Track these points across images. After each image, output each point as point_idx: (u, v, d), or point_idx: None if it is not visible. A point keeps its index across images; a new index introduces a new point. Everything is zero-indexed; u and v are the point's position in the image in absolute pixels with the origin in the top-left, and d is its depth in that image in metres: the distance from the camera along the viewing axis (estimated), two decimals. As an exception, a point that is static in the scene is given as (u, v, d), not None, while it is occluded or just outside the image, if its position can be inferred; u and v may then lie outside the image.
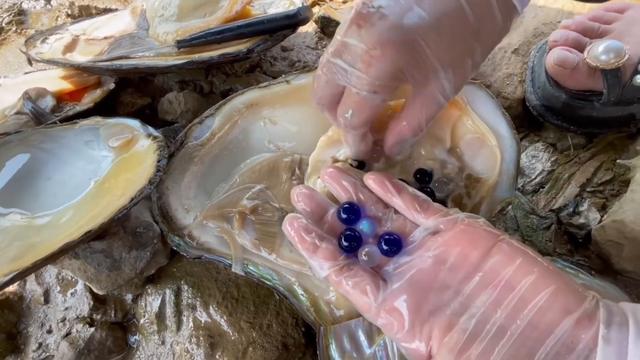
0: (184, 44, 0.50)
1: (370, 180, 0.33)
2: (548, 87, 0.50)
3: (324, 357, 0.36)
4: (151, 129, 0.42)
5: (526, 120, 0.55)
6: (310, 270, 0.40)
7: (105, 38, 0.57)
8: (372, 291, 0.27)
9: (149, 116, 0.56)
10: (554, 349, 0.22)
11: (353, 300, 0.28)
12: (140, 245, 0.40)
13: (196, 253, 0.41)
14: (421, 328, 0.25)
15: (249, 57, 0.48)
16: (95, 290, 0.41)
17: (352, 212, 0.32)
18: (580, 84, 0.48)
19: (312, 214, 0.33)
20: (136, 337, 0.46)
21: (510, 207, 0.46)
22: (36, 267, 0.28)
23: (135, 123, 0.42)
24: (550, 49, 0.50)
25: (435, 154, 0.41)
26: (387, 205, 0.33)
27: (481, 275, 0.26)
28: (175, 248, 0.41)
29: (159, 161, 0.37)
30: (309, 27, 0.65)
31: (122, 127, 0.42)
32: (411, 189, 0.33)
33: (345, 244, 0.31)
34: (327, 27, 0.64)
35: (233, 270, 0.40)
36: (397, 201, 0.32)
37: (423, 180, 0.39)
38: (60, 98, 0.51)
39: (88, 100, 0.49)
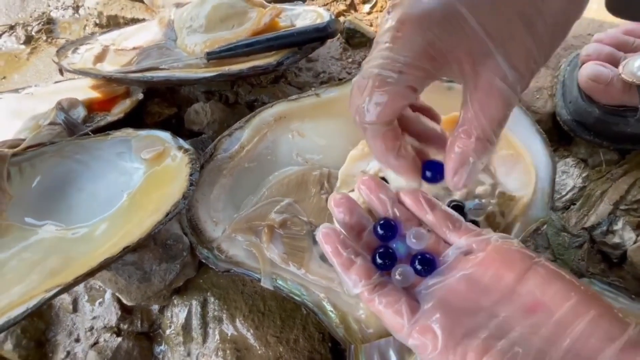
0: (213, 56, 0.50)
1: (406, 197, 0.32)
2: (580, 102, 0.49)
3: (355, 376, 0.36)
4: (182, 142, 0.42)
5: (556, 134, 0.54)
6: (340, 286, 0.39)
7: (134, 48, 0.57)
8: (405, 311, 0.27)
9: (176, 126, 0.57)
10: None
11: (385, 320, 0.28)
12: (170, 258, 0.40)
13: (225, 266, 0.41)
14: (455, 350, 0.24)
15: (278, 69, 0.48)
16: (124, 301, 0.41)
17: (389, 228, 0.32)
18: (614, 100, 0.47)
19: (351, 228, 0.32)
20: (162, 347, 0.46)
21: (545, 226, 0.45)
22: (77, 282, 0.28)
23: (166, 135, 0.43)
24: (583, 64, 0.49)
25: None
26: (419, 223, 0.33)
27: (518, 299, 0.25)
28: (204, 261, 0.41)
29: (191, 175, 0.37)
30: (334, 38, 0.65)
31: (154, 139, 0.42)
32: (444, 207, 0.33)
33: (379, 261, 0.31)
34: (352, 37, 0.64)
35: (262, 284, 0.40)
36: (430, 218, 0.31)
37: None
38: (90, 108, 0.52)
39: (118, 110, 0.50)
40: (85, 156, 0.42)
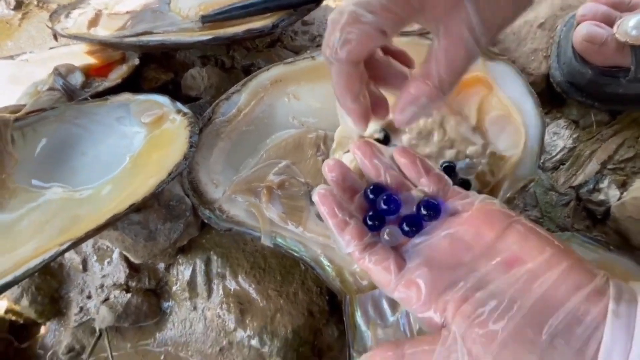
0: (208, 19, 0.50)
1: (402, 158, 0.33)
2: (574, 63, 0.49)
3: (350, 323, 0.39)
4: (180, 105, 0.43)
5: (549, 96, 0.54)
6: (335, 243, 0.41)
7: (127, 12, 0.57)
8: (392, 268, 0.28)
9: (173, 92, 0.57)
10: (564, 321, 0.23)
11: (373, 276, 0.30)
12: (173, 217, 0.42)
13: (226, 225, 0.43)
14: (437, 300, 0.26)
15: (274, 32, 0.48)
16: (132, 259, 0.44)
17: (379, 193, 0.33)
18: (607, 60, 0.47)
19: (344, 191, 0.33)
20: (169, 303, 0.49)
21: (532, 184, 0.47)
22: (88, 237, 0.30)
23: (164, 100, 0.43)
24: (579, 24, 0.49)
25: (460, 132, 0.42)
26: (409, 189, 0.34)
27: (497, 254, 0.27)
28: (206, 221, 0.43)
29: (191, 137, 0.38)
30: (330, 1, 0.64)
31: (152, 104, 0.43)
32: (437, 171, 0.34)
33: (369, 223, 0.32)
34: (348, -1, 0.63)
35: (262, 242, 0.42)
36: (424, 181, 0.32)
37: (447, 175, 0.39)
38: (87, 74, 0.52)
39: (115, 76, 0.50)
40: (86, 120, 0.43)
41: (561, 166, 0.51)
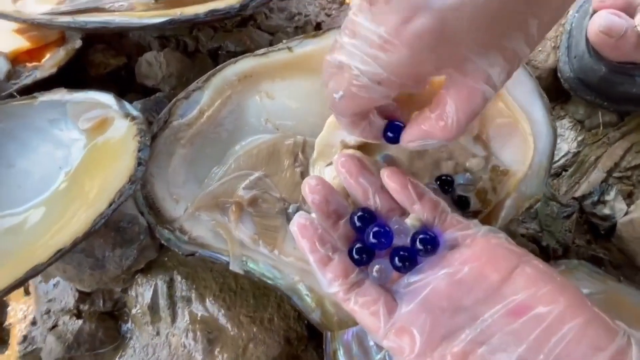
0: (162, -5, 0.41)
1: (392, 182, 0.29)
2: (587, 59, 0.43)
3: (331, 363, 0.35)
4: (128, 106, 0.35)
5: (554, 91, 0.49)
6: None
7: (66, -19, 0.47)
8: (382, 313, 0.26)
9: (126, 79, 0.49)
10: None
11: (360, 320, 0.27)
12: (125, 242, 0.35)
13: (189, 249, 0.37)
14: (432, 353, 0.24)
15: (242, 14, 0.40)
16: (78, 287, 0.37)
17: (367, 221, 0.29)
18: (624, 56, 0.42)
19: (327, 216, 0.29)
20: (128, 325, 0.44)
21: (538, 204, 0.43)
22: (3, 294, 0.24)
23: (108, 98, 0.35)
24: (595, 11, 0.43)
25: (459, 141, 0.37)
26: (402, 212, 0.30)
27: (502, 301, 0.24)
28: (165, 243, 0.37)
29: (139, 151, 0.31)
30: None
31: (93, 103, 0.35)
32: (432, 195, 0.29)
33: (356, 256, 0.28)
34: (332, -29, 0.54)
35: (231, 268, 0.37)
36: (417, 208, 0.29)
37: (444, 190, 0.35)
38: (16, 59, 0.43)
39: (51, 63, 0.42)
40: (11, 124, 0.35)
41: (563, 172, 0.47)
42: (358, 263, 0.28)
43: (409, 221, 0.29)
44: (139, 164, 0.31)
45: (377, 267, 0.27)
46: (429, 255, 0.27)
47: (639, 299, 0.33)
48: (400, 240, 0.29)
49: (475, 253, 0.26)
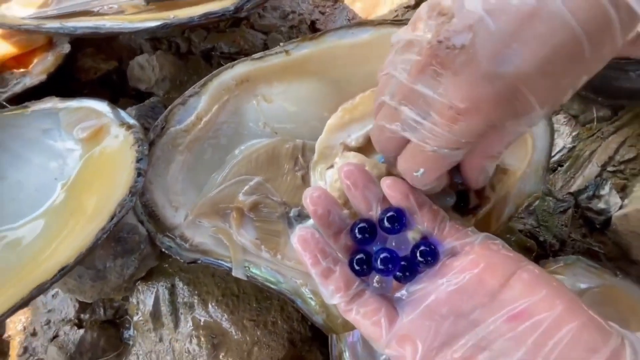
0: (154, -2, 0.40)
1: (393, 192, 0.29)
2: (581, 54, 0.44)
3: (337, 365, 0.35)
4: (124, 114, 0.35)
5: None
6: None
7: (52, -17, 0.45)
8: (383, 322, 0.26)
9: (118, 84, 0.48)
10: None
11: (363, 330, 0.27)
12: (125, 252, 0.35)
13: (191, 256, 0.37)
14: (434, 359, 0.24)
15: (237, 16, 0.39)
16: (79, 299, 0.37)
17: (368, 232, 0.29)
18: (622, 51, 0.42)
19: (328, 227, 0.30)
20: (130, 332, 0.44)
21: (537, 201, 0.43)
22: (4, 317, 0.23)
23: (103, 106, 0.35)
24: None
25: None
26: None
27: (501, 306, 0.25)
28: (166, 251, 0.37)
29: (138, 161, 0.31)
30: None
31: (87, 112, 0.34)
32: (432, 204, 0.30)
33: (356, 267, 0.29)
34: (325, -33, 0.54)
35: (234, 274, 0.37)
36: (417, 218, 0.29)
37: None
38: (3, 66, 0.41)
39: (39, 69, 0.40)
40: (1, 135, 0.34)
41: (559, 168, 0.47)
42: (359, 274, 0.28)
43: (410, 232, 0.30)
44: (139, 174, 0.30)
45: (377, 277, 0.28)
46: (429, 266, 0.28)
47: (635, 292, 0.34)
48: (401, 252, 0.29)
49: (473, 261, 0.26)
